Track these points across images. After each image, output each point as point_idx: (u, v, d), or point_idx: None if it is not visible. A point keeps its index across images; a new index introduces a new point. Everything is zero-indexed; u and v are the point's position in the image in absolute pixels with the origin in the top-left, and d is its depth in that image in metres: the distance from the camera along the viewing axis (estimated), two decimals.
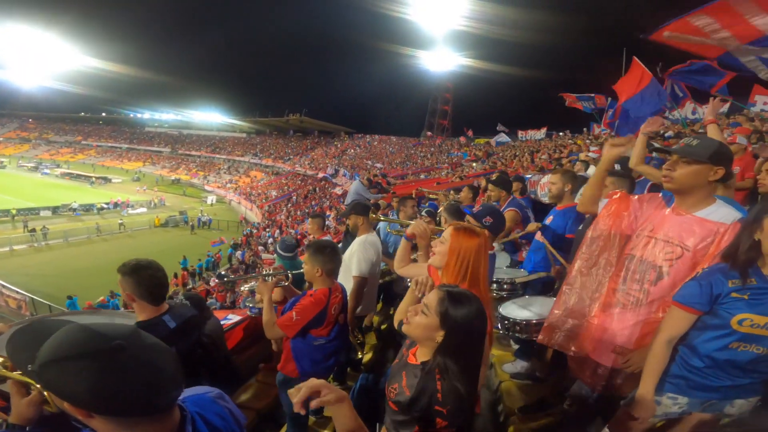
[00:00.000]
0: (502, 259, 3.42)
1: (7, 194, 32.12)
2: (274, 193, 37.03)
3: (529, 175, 4.43)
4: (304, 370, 2.35)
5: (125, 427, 0.87)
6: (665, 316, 1.51)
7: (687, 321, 1.44)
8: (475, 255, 1.58)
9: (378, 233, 3.61)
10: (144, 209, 32.59)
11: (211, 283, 15.07)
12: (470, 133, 39.03)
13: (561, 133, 25.22)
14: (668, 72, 7.09)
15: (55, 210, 29.39)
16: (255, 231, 26.09)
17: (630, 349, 1.63)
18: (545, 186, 4.24)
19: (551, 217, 2.92)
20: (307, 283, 3.17)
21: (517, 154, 18.18)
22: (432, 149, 39.60)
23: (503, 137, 30.85)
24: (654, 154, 2.88)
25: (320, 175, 37.83)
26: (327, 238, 4.43)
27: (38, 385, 1.24)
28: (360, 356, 3.28)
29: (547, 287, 2.72)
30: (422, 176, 22.58)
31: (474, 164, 19.39)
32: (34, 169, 48.65)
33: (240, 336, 3.56)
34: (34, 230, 23.56)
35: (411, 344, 1.41)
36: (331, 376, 3.03)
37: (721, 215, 1.50)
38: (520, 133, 30.96)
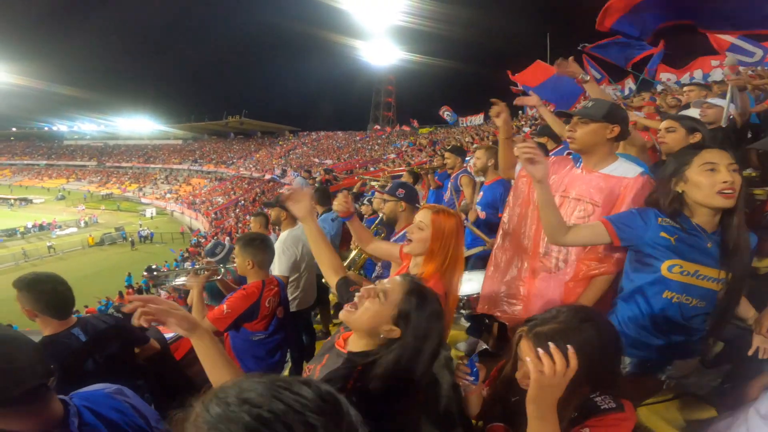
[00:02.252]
0: None
1: None
2: (219, 199, 35.46)
3: (468, 158, 4.57)
4: (248, 369, 2.27)
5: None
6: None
7: (603, 237, 1.43)
8: (456, 235, 1.57)
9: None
10: (74, 229, 30.07)
11: (162, 294, 14.29)
12: (415, 123, 39.66)
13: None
14: (592, 45, 7.55)
15: None
16: (203, 240, 24.83)
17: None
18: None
19: (481, 194, 3.02)
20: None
21: (458, 138, 18.74)
22: (379, 141, 39.76)
23: (452, 117, 31.71)
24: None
25: (267, 176, 36.71)
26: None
27: None
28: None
29: (486, 262, 2.81)
30: (371, 168, 22.63)
31: (421, 153, 19.76)
32: None
33: (188, 347, 3.39)
34: None
35: (346, 329, 1.25)
36: (288, 371, 2.98)
37: (624, 170, 1.60)
38: (460, 120, 32.02)
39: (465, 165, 4.10)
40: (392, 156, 26.23)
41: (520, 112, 20.70)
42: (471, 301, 2.16)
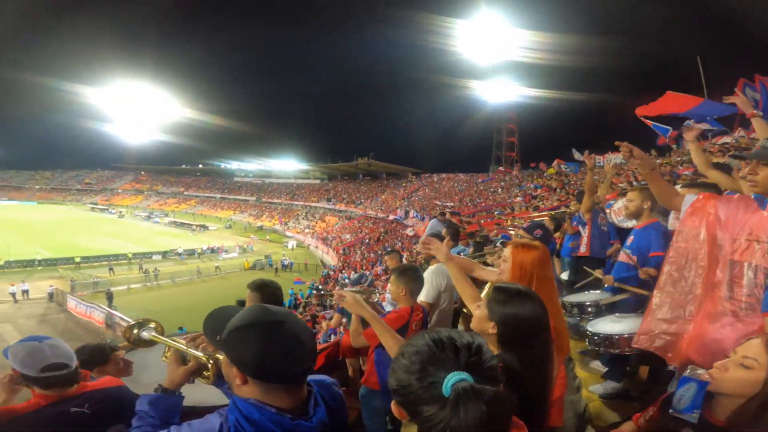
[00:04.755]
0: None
1: (126, 240, 37.54)
2: (348, 236, 38.59)
3: (612, 202, 4.43)
4: (384, 382, 2.44)
5: (269, 393, 1.01)
6: None
7: None
8: (538, 266, 1.70)
9: None
10: (236, 254, 35.80)
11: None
12: (543, 166, 37.76)
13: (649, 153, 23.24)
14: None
15: (164, 254, 33.56)
16: (332, 273, 27.32)
17: None
18: (620, 211, 4.24)
19: (632, 238, 2.91)
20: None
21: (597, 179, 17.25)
22: (502, 184, 38.93)
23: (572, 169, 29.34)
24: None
25: (391, 217, 38.80)
26: None
27: (202, 355, 1.42)
28: None
29: (633, 307, 2.73)
30: (496, 212, 22.25)
31: (552, 195, 18.77)
32: (147, 218, 56.36)
33: (321, 362, 3.88)
34: (147, 271, 27.15)
35: None
36: None
37: None
38: (597, 159, 29.35)
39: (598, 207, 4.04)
40: (518, 199, 25.42)
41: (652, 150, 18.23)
42: (620, 341, 2.20)
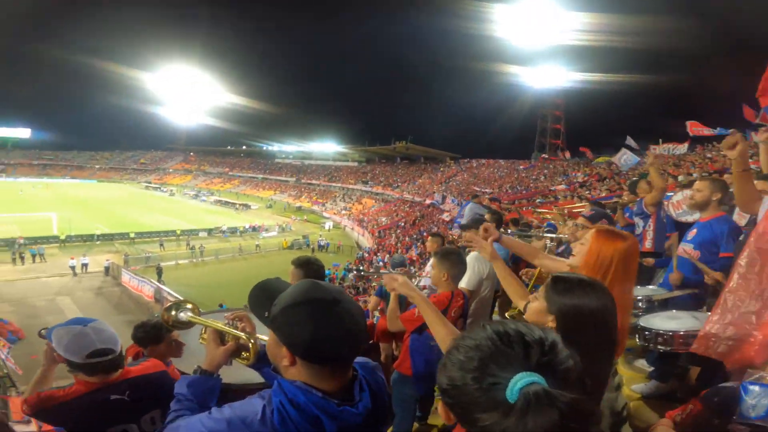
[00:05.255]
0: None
1: (175, 217, 39.86)
2: (384, 219, 38.86)
3: (670, 194, 4.12)
4: (417, 369, 2.47)
5: (316, 376, 0.97)
6: None
7: None
8: (620, 260, 1.48)
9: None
10: (275, 233, 37.08)
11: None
12: (589, 154, 35.78)
13: (710, 144, 21.25)
14: None
15: (209, 232, 35.30)
16: (366, 255, 27.69)
17: None
18: (680, 204, 3.93)
19: (694, 231, 2.71)
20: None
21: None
22: (545, 171, 37.47)
23: (630, 157, 27.41)
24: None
25: (427, 201, 38.58)
26: None
27: (242, 335, 1.35)
28: None
29: (690, 305, 2.56)
30: (538, 200, 21.51)
31: (600, 185, 17.84)
32: (195, 196, 59.26)
33: None
34: (193, 248, 28.65)
35: None
36: None
37: None
38: (653, 148, 27.38)
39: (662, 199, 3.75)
40: (561, 187, 24.40)
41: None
42: (674, 338, 2.06)
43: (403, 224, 34.86)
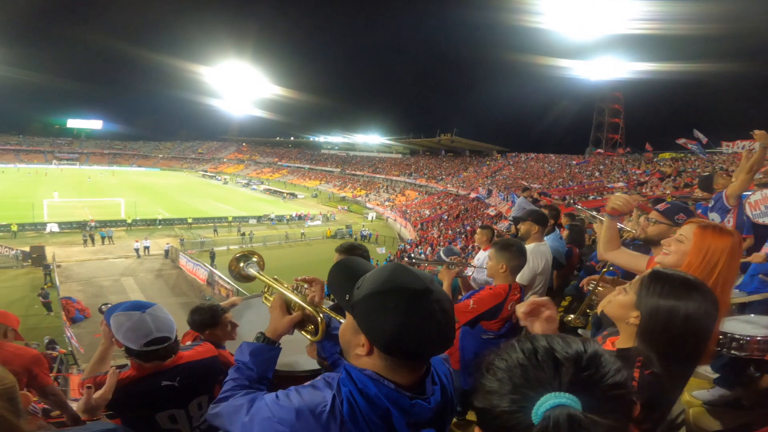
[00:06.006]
0: None
1: (228, 204, 42.17)
2: (427, 211, 38.65)
3: (747, 193, 3.75)
4: (466, 363, 2.44)
5: (392, 369, 0.89)
6: None
7: None
8: (728, 258, 1.38)
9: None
10: (320, 222, 38.09)
11: None
12: (649, 148, 33.33)
13: None
14: None
15: (258, 219, 36.92)
16: (408, 247, 27.71)
17: None
18: (758, 204, 3.57)
19: None
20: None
21: (721, 168, 14.86)
22: (601, 167, 35.40)
23: (698, 149, 25.26)
24: None
25: (472, 195, 37.82)
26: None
27: (312, 310, 1.29)
28: None
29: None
30: (590, 197, 20.44)
31: (662, 183, 16.63)
32: (246, 185, 62.15)
33: None
34: (243, 234, 30.11)
35: (611, 333, 1.33)
36: None
37: None
38: (724, 145, 25.00)
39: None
40: (619, 184, 22.97)
41: None
42: (750, 344, 1.92)
43: (446, 217, 34.47)
